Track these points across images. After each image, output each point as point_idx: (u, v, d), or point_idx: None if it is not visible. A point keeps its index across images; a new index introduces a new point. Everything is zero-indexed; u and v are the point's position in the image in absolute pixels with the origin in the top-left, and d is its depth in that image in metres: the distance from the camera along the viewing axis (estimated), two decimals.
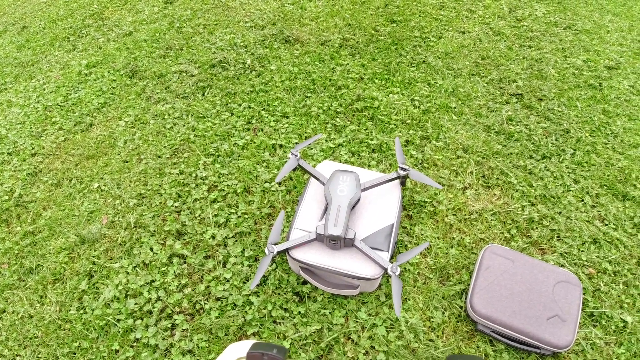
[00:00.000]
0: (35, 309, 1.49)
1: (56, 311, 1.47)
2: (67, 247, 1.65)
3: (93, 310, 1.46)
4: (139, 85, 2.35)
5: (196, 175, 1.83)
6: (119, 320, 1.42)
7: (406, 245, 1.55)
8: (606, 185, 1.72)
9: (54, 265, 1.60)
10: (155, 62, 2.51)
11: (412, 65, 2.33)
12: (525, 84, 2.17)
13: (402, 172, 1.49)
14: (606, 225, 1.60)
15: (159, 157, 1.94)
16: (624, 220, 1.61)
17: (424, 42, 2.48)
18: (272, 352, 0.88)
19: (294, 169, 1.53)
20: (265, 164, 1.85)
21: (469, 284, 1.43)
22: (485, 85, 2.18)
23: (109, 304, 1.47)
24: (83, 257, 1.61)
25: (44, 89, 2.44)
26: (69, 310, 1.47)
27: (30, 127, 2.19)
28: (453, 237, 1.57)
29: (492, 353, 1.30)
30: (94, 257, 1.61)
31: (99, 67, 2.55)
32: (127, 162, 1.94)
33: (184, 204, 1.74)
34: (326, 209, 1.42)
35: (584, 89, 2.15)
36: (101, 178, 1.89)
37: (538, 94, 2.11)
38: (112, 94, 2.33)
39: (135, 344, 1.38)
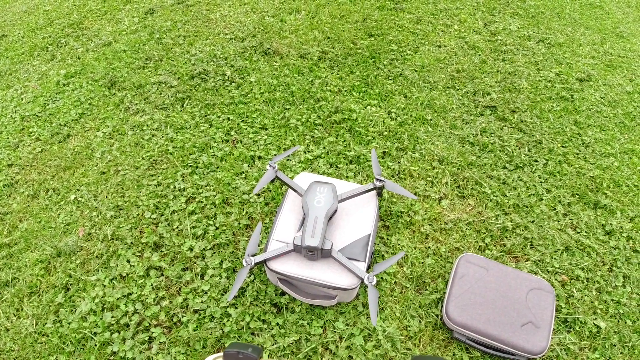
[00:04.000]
0: (11, 322, 1.47)
1: (32, 324, 1.45)
2: (44, 259, 1.63)
3: (69, 323, 1.44)
4: (118, 95, 2.34)
5: (174, 187, 1.83)
6: (95, 333, 1.41)
7: (383, 255, 1.57)
8: (578, 194, 1.78)
9: (30, 277, 1.58)
10: (135, 72, 2.50)
11: (390, 78, 2.37)
12: (499, 96, 2.23)
13: (378, 184, 1.51)
14: (578, 233, 1.65)
15: (137, 168, 1.93)
16: (596, 228, 1.66)
17: (401, 56, 2.53)
18: (246, 351, 0.90)
19: (272, 181, 1.54)
20: (243, 176, 1.86)
21: (444, 293, 1.45)
22: (460, 97, 2.23)
23: (86, 317, 1.45)
24: (59, 269, 1.59)
25: (22, 99, 2.41)
26: (45, 323, 1.45)
27: (7, 138, 2.16)
28: (429, 247, 1.60)
29: None
30: (70, 269, 1.59)
31: (78, 77, 2.53)
32: (104, 173, 1.93)
33: (162, 215, 1.73)
34: (304, 220, 1.43)
35: (556, 100, 2.22)
36: (78, 189, 1.87)
37: (511, 106, 2.17)
38: (90, 104, 2.31)
39: (112, 358, 1.36)
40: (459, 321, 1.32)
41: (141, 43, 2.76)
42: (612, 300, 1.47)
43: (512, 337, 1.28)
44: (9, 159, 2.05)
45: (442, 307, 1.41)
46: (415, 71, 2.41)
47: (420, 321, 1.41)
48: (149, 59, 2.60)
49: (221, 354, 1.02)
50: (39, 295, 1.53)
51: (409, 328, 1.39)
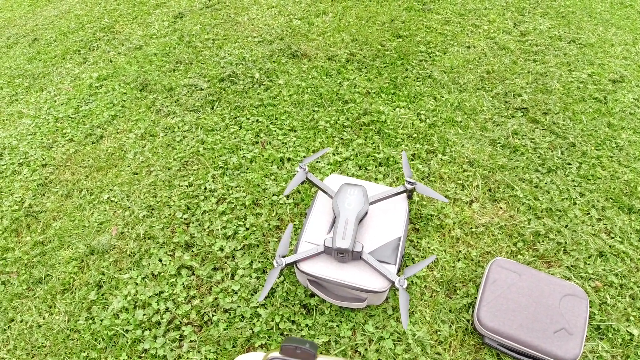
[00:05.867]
0: (44, 318, 1.51)
1: (65, 321, 1.49)
2: (77, 257, 1.67)
3: (102, 320, 1.47)
4: (149, 98, 2.39)
5: (205, 188, 1.86)
6: (127, 330, 1.44)
7: (413, 259, 1.56)
8: (612, 199, 1.73)
9: (63, 275, 1.62)
10: (165, 75, 2.55)
11: (418, 79, 2.36)
12: (530, 97, 2.19)
13: (408, 186, 1.51)
14: (612, 238, 1.61)
15: (169, 169, 1.96)
16: (630, 233, 1.62)
17: (430, 57, 2.51)
18: (304, 346, 0.90)
19: (302, 182, 1.55)
20: (273, 177, 1.87)
21: (475, 297, 1.44)
22: (491, 99, 2.20)
23: (118, 314, 1.48)
24: (92, 267, 1.63)
25: (55, 101, 2.48)
26: (78, 320, 1.49)
27: (41, 138, 2.23)
28: (460, 251, 1.58)
29: None
30: (103, 267, 1.62)
31: (110, 80, 2.59)
32: (136, 174, 1.97)
33: (193, 216, 1.76)
34: (334, 222, 1.43)
35: (588, 102, 2.17)
36: (111, 189, 1.91)
37: (543, 108, 2.13)
38: (122, 106, 2.37)
39: (143, 355, 1.39)
40: (491, 326, 1.30)
41: (171, 46, 2.81)
42: None
43: (545, 344, 1.26)
44: (43, 159, 2.11)
45: (473, 312, 1.39)
46: (445, 72, 2.38)
47: (450, 326, 1.39)
48: (179, 62, 2.65)
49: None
50: (72, 292, 1.57)
51: (439, 332, 1.38)
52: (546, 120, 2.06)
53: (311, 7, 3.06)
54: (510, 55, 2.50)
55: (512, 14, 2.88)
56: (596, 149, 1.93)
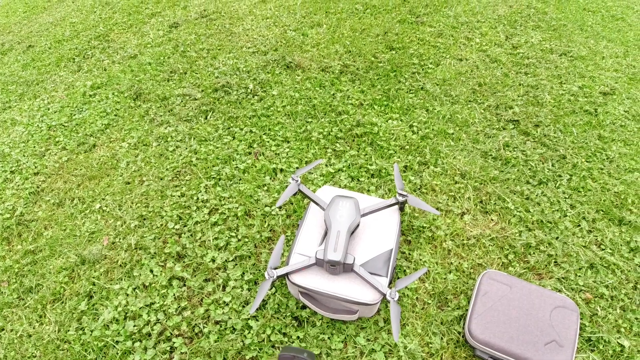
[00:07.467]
0: (34, 328, 1.50)
1: (55, 331, 1.48)
2: (68, 267, 1.66)
3: (92, 331, 1.46)
4: (143, 107, 2.39)
5: (197, 198, 1.86)
6: (117, 342, 1.43)
7: (405, 271, 1.56)
8: (602, 211, 1.75)
9: (54, 284, 1.61)
10: (159, 85, 2.55)
11: (411, 91, 2.38)
12: (521, 110, 2.21)
13: (400, 198, 1.51)
14: (603, 250, 1.62)
15: (161, 179, 1.96)
16: (621, 245, 1.63)
17: (422, 69, 2.53)
18: (302, 356, 0.90)
19: (295, 194, 1.55)
20: (266, 188, 1.88)
21: (467, 310, 1.44)
22: (482, 111, 2.22)
23: (108, 325, 1.47)
24: (83, 277, 1.62)
25: (49, 109, 2.48)
26: (68, 330, 1.47)
27: (34, 146, 2.22)
28: (451, 263, 1.58)
29: None
30: (94, 277, 1.61)
31: (104, 88, 2.59)
32: (129, 183, 1.97)
33: (185, 226, 1.75)
34: (326, 233, 1.43)
35: (579, 114, 2.19)
36: (103, 199, 1.91)
37: (534, 120, 2.15)
38: (115, 115, 2.37)
39: None
40: (482, 339, 1.31)
41: (166, 56, 2.81)
42: (637, 318, 1.43)
43: (536, 356, 1.26)
44: (35, 167, 2.10)
45: (464, 324, 1.40)
46: (437, 85, 2.41)
47: (442, 338, 1.39)
48: (173, 71, 2.65)
49: None
50: (62, 302, 1.56)
51: (430, 345, 1.38)
52: (537, 132, 2.08)
53: (306, 19, 3.08)
54: (502, 68, 2.53)
55: (504, 27, 2.91)
56: (587, 161, 1.95)
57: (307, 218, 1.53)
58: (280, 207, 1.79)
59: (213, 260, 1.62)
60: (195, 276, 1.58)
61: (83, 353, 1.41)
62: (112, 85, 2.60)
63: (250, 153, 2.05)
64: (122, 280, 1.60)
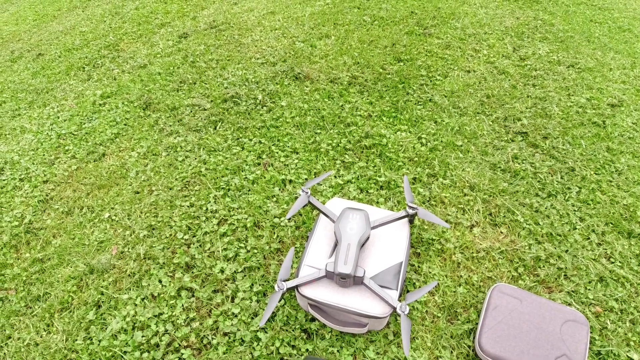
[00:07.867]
0: (41, 336, 1.50)
1: (62, 340, 1.47)
2: (76, 276, 1.66)
3: (100, 341, 1.46)
4: (152, 117, 2.41)
5: (206, 209, 1.86)
6: (125, 352, 1.42)
7: (414, 283, 1.55)
8: (612, 223, 1.74)
9: (62, 293, 1.61)
10: (169, 95, 2.57)
11: (419, 103, 2.38)
12: (530, 122, 2.22)
13: (410, 211, 1.51)
14: (612, 263, 1.61)
15: (170, 189, 1.97)
16: (630, 258, 1.62)
17: (431, 81, 2.54)
18: None
19: (304, 206, 1.56)
20: (275, 199, 1.88)
21: (477, 323, 1.43)
22: (491, 123, 2.22)
23: (116, 335, 1.47)
24: (91, 286, 1.62)
25: (58, 117, 2.50)
26: (76, 340, 1.47)
27: (43, 154, 2.24)
28: (461, 276, 1.58)
29: None
30: (102, 287, 1.62)
31: (113, 97, 2.61)
32: (138, 193, 1.97)
33: (194, 236, 1.76)
34: (336, 246, 1.43)
35: (587, 126, 2.19)
36: (112, 208, 1.91)
37: (543, 132, 2.15)
38: (125, 124, 2.38)
39: None
40: (492, 353, 1.30)
41: (175, 66, 2.84)
42: None
43: None
44: (45, 175, 2.11)
45: (474, 338, 1.39)
46: (445, 96, 2.41)
47: (452, 352, 1.38)
48: (182, 81, 2.67)
49: None
50: (70, 311, 1.56)
51: (440, 359, 1.37)
52: (546, 144, 2.08)
53: (314, 30, 3.11)
54: (509, 80, 2.53)
55: (511, 39, 2.92)
56: (595, 174, 1.94)
57: (316, 230, 1.53)
58: (289, 219, 1.79)
59: (222, 271, 1.62)
60: (204, 287, 1.58)
61: None
62: (122, 95, 2.62)
63: (259, 164, 2.06)
64: (130, 290, 1.60)
